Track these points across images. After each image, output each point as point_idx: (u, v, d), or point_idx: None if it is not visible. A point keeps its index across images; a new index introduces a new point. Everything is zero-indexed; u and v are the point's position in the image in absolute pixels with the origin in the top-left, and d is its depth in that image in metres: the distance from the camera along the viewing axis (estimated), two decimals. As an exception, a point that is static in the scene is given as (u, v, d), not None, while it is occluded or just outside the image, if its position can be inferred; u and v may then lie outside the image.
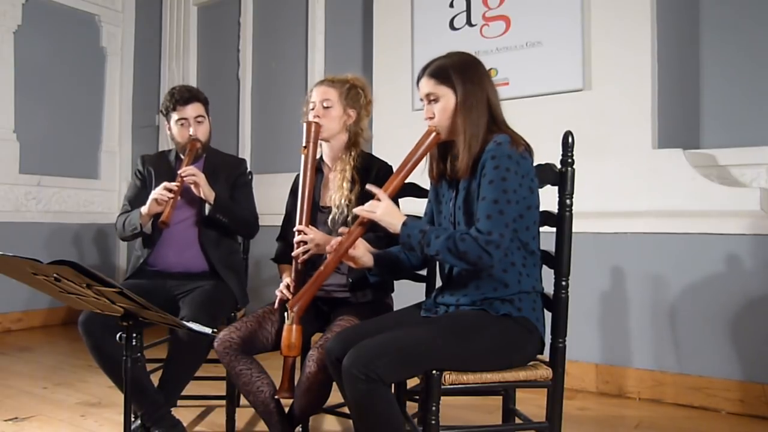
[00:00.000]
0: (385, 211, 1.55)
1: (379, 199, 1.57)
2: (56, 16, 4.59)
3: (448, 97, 1.58)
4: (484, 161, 1.50)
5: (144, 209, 2.24)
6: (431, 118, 1.61)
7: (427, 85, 1.61)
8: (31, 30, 4.38)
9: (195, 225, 2.35)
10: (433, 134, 1.60)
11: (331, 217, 1.94)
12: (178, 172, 2.23)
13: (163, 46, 4.80)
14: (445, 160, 1.67)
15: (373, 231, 1.80)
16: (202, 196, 2.25)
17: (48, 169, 4.51)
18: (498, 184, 1.46)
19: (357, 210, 1.60)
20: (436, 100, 1.59)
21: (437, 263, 1.83)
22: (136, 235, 2.29)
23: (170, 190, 2.19)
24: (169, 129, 2.40)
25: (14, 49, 4.29)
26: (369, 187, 1.60)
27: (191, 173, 2.22)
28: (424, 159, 1.65)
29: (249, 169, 2.55)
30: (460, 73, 1.58)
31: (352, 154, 1.99)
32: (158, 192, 2.20)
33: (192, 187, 2.25)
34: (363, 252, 1.69)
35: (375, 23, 3.69)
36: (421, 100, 1.64)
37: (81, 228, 4.71)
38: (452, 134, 1.60)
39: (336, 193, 1.94)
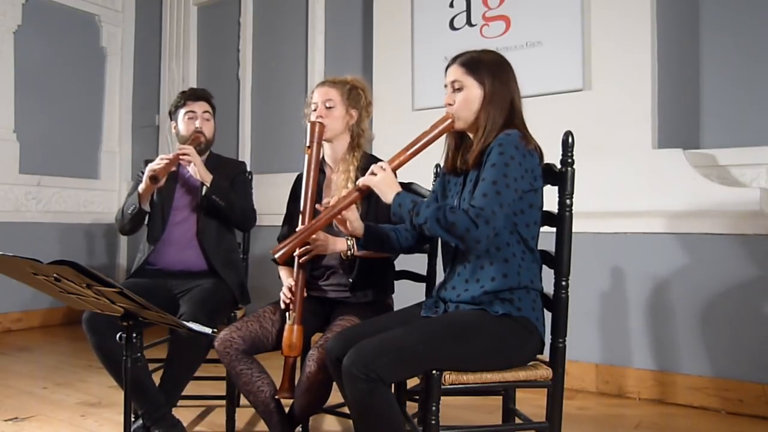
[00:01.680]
0: (383, 179, 1.58)
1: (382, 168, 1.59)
2: (56, 16, 4.59)
3: (472, 89, 1.59)
4: (491, 148, 1.52)
5: (141, 186, 2.25)
6: (450, 105, 1.62)
7: (455, 72, 1.62)
8: (31, 30, 4.38)
9: (194, 224, 2.37)
10: (449, 120, 1.62)
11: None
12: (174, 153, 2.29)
13: (163, 46, 4.80)
14: (457, 152, 1.68)
15: (374, 221, 1.81)
16: (198, 177, 2.27)
17: (48, 169, 4.51)
18: (500, 168, 1.48)
19: (358, 181, 1.63)
20: (460, 89, 1.61)
21: (437, 258, 1.83)
22: (135, 216, 2.31)
23: (165, 158, 2.23)
24: (175, 128, 2.44)
25: (14, 49, 4.29)
26: (377, 165, 1.61)
27: (187, 152, 2.25)
28: (442, 149, 1.67)
29: (249, 171, 2.57)
30: (490, 69, 1.60)
31: (356, 154, 2.00)
32: (155, 162, 2.24)
33: (190, 169, 2.28)
34: (355, 217, 1.71)
35: (375, 23, 3.69)
36: (445, 86, 1.66)
37: (81, 228, 4.71)
38: (469, 126, 1.62)
39: (340, 193, 1.94)
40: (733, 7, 2.75)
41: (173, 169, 2.31)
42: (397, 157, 1.63)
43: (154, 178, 2.20)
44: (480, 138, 1.57)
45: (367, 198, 1.83)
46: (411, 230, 1.73)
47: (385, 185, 1.58)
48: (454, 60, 1.65)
